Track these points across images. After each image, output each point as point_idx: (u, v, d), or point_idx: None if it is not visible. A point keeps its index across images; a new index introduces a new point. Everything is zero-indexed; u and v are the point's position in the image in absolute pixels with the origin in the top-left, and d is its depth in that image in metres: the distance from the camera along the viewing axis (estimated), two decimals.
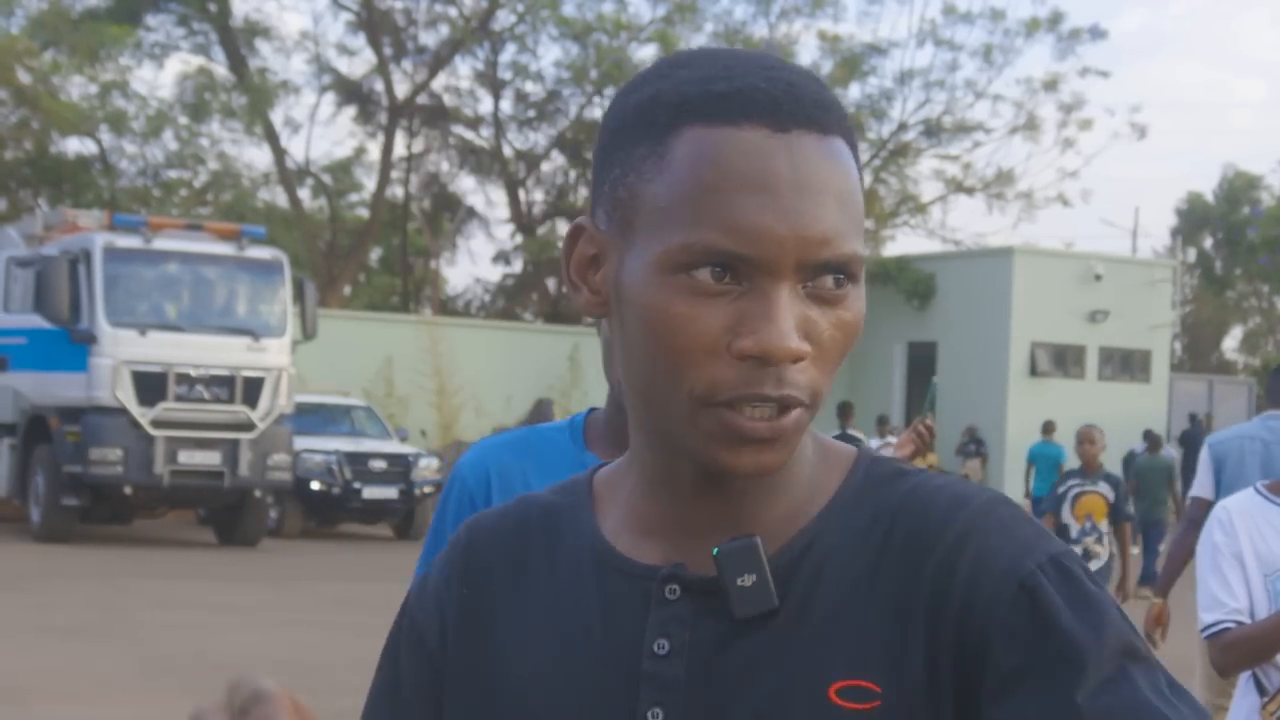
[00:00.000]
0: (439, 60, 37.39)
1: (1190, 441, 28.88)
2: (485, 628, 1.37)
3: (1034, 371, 31.58)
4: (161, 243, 19.47)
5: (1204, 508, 6.40)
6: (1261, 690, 3.89)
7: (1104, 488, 11.04)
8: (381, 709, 1.41)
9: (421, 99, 37.91)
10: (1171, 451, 23.91)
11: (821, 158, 1.22)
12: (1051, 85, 36.71)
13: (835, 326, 1.23)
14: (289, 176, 37.40)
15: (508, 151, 39.43)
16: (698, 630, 1.27)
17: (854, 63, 36.22)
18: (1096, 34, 37.06)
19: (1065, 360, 32.21)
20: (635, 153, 1.25)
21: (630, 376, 1.28)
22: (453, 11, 37.19)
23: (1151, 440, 20.75)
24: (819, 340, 1.22)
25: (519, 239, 39.59)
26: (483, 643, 1.36)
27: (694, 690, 1.25)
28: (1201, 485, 7.07)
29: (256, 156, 57.71)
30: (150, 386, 18.78)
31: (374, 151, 39.96)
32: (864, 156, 37.59)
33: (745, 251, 1.19)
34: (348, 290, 39.10)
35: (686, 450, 1.25)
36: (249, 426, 19.25)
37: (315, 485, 21.13)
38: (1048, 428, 23.14)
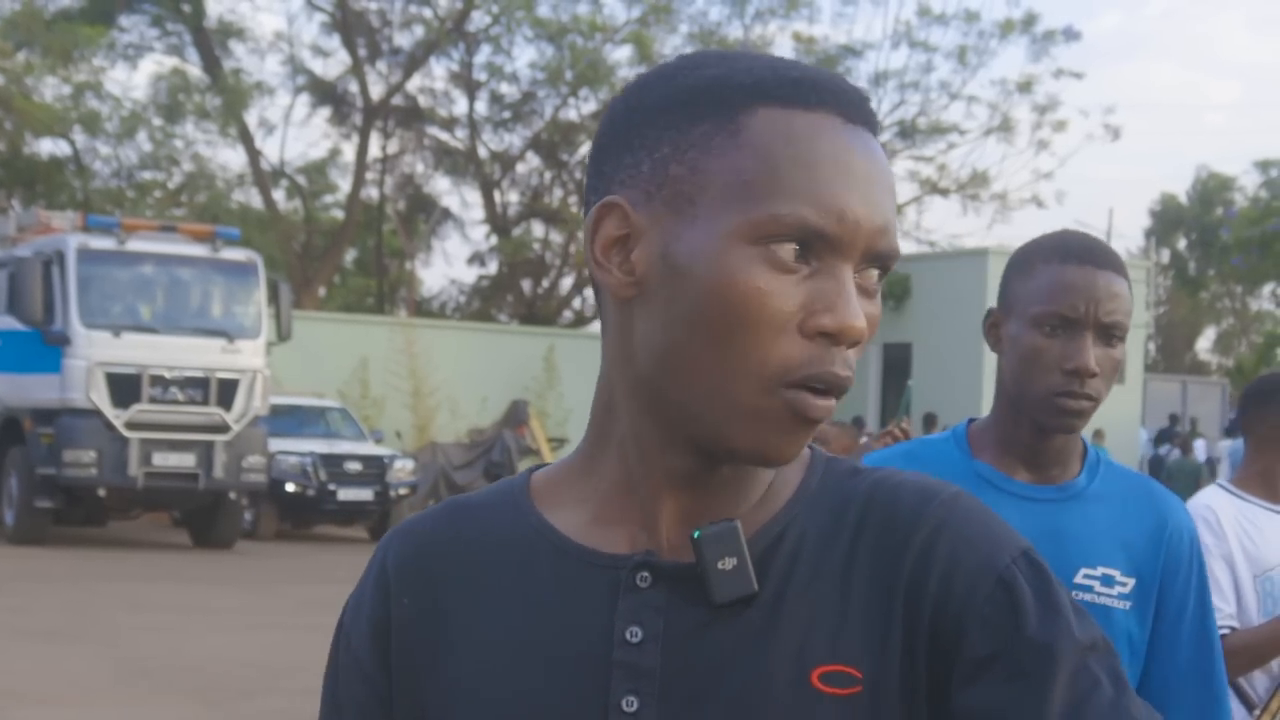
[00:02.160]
0: (414, 61, 37.35)
1: (1168, 440, 29.01)
2: (436, 634, 1.34)
3: None
4: (135, 244, 19.41)
5: None
6: (1245, 700, 3.83)
7: None
8: None
9: (396, 100, 37.87)
10: (1202, 454, 24.62)
11: (880, 154, 1.27)
12: (1026, 87, 36.81)
13: (868, 319, 1.25)
14: (264, 178, 37.33)
15: (483, 153, 39.40)
16: (672, 617, 1.26)
17: (829, 64, 36.22)
18: (1070, 36, 37.17)
19: None
20: (695, 130, 1.24)
21: (670, 356, 1.24)
22: (427, 13, 37.17)
23: (1182, 442, 21.31)
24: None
25: (494, 240, 39.55)
26: (435, 650, 1.34)
27: (670, 677, 1.25)
28: None
29: (231, 158, 57.71)
30: (124, 388, 18.72)
31: (349, 153, 39.91)
32: None
33: (830, 229, 1.21)
34: (323, 292, 39.03)
35: (726, 435, 1.24)
36: (224, 428, 19.20)
37: (290, 487, 21.09)
38: (1098, 435, 25.21)
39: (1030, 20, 36.40)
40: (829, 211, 1.21)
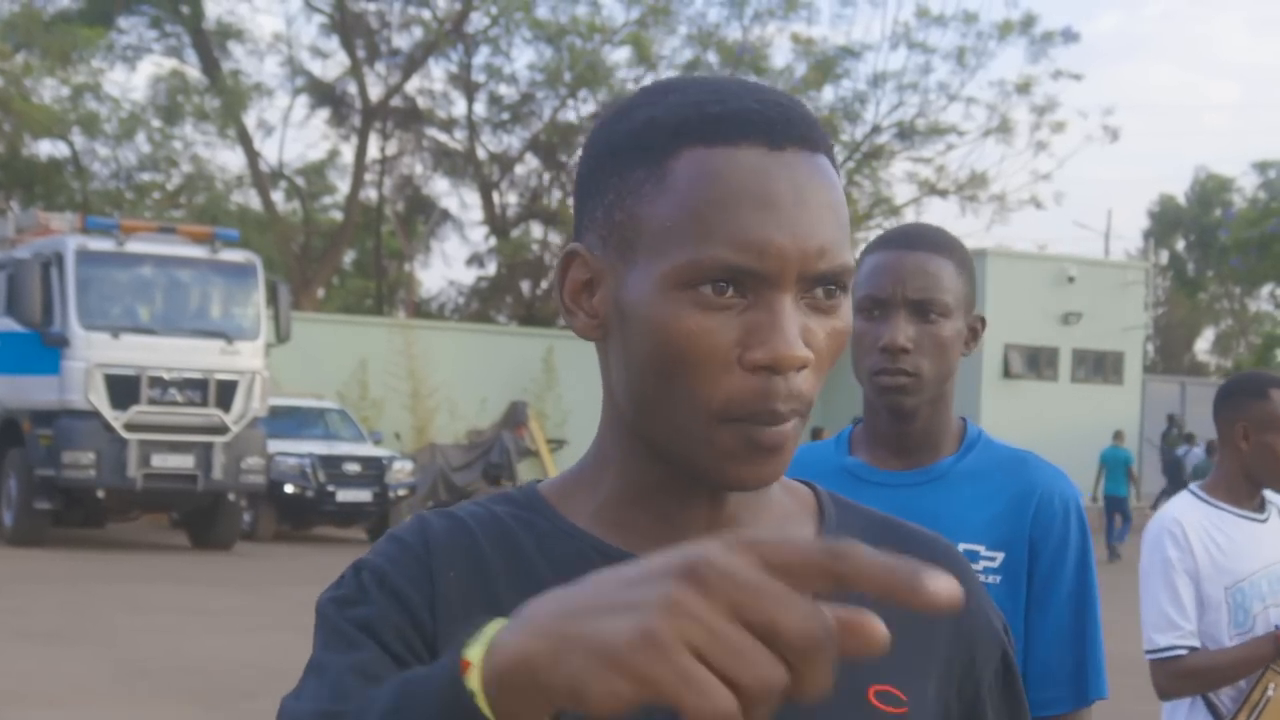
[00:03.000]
0: (413, 63, 37.35)
1: (1170, 441, 29.08)
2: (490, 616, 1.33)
3: (1007, 373, 31.65)
4: (134, 245, 19.42)
5: None
6: (1214, 711, 3.81)
7: None
8: (355, 676, 1.26)
9: (395, 101, 37.87)
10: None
11: (814, 173, 1.27)
12: (1024, 88, 36.82)
13: (829, 335, 1.28)
14: (262, 179, 37.34)
15: (481, 154, 39.40)
16: None
17: (827, 66, 36.28)
18: (1069, 37, 37.18)
19: (1039, 362, 32.29)
20: (632, 177, 1.28)
21: (632, 394, 1.30)
22: (426, 14, 37.18)
23: (1210, 446, 21.51)
24: (816, 348, 1.27)
25: (493, 241, 39.56)
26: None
27: None
28: None
29: (230, 159, 57.72)
30: (123, 389, 18.72)
31: (348, 154, 39.91)
32: (838, 159, 37.75)
33: (752, 265, 1.23)
34: (322, 293, 39.03)
35: (693, 464, 1.28)
36: (223, 429, 19.20)
37: (289, 488, 21.09)
38: (1118, 435, 25.61)
39: (1029, 21, 36.42)
40: (749, 248, 1.22)
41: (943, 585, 0.88)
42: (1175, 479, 27.67)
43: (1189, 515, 3.87)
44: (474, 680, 0.97)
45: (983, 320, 2.70)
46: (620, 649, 0.90)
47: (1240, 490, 3.92)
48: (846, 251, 1.27)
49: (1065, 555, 2.63)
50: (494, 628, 0.99)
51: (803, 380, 1.25)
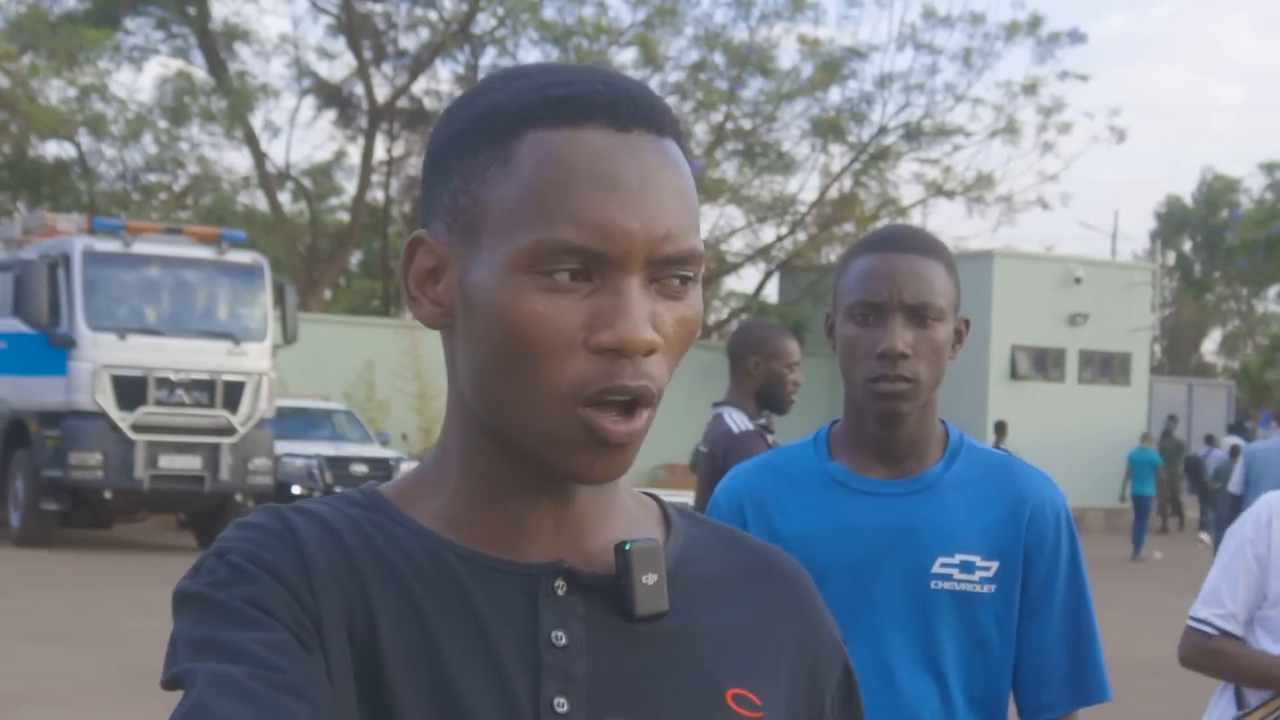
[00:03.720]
0: (419, 64, 37.35)
1: (1170, 442, 29.09)
2: (367, 617, 1.27)
3: (1014, 374, 31.62)
4: (141, 246, 19.43)
5: None
6: (1240, 703, 3.79)
7: None
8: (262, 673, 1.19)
9: (402, 102, 37.84)
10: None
11: (661, 157, 1.26)
12: (1031, 89, 36.75)
13: (679, 323, 1.27)
14: (269, 180, 37.33)
15: None
16: (592, 625, 1.29)
17: (834, 66, 36.23)
18: (1076, 38, 37.11)
19: (1045, 363, 32.27)
20: (476, 161, 1.27)
21: (478, 384, 1.28)
22: (433, 15, 37.17)
23: (1234, 450, 21.94)
24: (666, 334, 1.25)
25: None
26: (368, 634, 1.26)
27: (595, 684, 1.27)
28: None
29: (236, 160, 57.72)
30: (130, 390, 18.74)
31: (354, 155, 39.86)
32: (844, 160, 37.78)
33: (597, 246, 1.22)
34: (328, 294, 39.04)
35: (540, 457, 1.27)
36: (229, 431, 19.21)
37: (296, 489, 21.09)
38: (1145, 437, 26.27)
39: (1035, 22, 36.36)
40: (594, 230, 1.22)
41: None
42: (1197, 480, 27.73)
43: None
44: None
45: (967, 323, 2.69)
46: None
47: None
48: (695, 237, 1.26)
49: (1058, 562, 2.63)
50: None
51: (652, 365, 1.24)
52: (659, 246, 1.23)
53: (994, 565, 2.59)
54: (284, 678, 1.18)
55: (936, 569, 2.58)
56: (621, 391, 1.23)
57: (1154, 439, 27.51)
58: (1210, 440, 29.23)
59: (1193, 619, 3.75)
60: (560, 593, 1.29)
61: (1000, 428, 24.98)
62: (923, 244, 2.61)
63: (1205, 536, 25.61)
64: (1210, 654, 3.73)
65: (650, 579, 1.29)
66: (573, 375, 1.23)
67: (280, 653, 1.20)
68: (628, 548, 1.29)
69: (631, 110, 1.26)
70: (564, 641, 1.28)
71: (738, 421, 5.82)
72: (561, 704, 1.26)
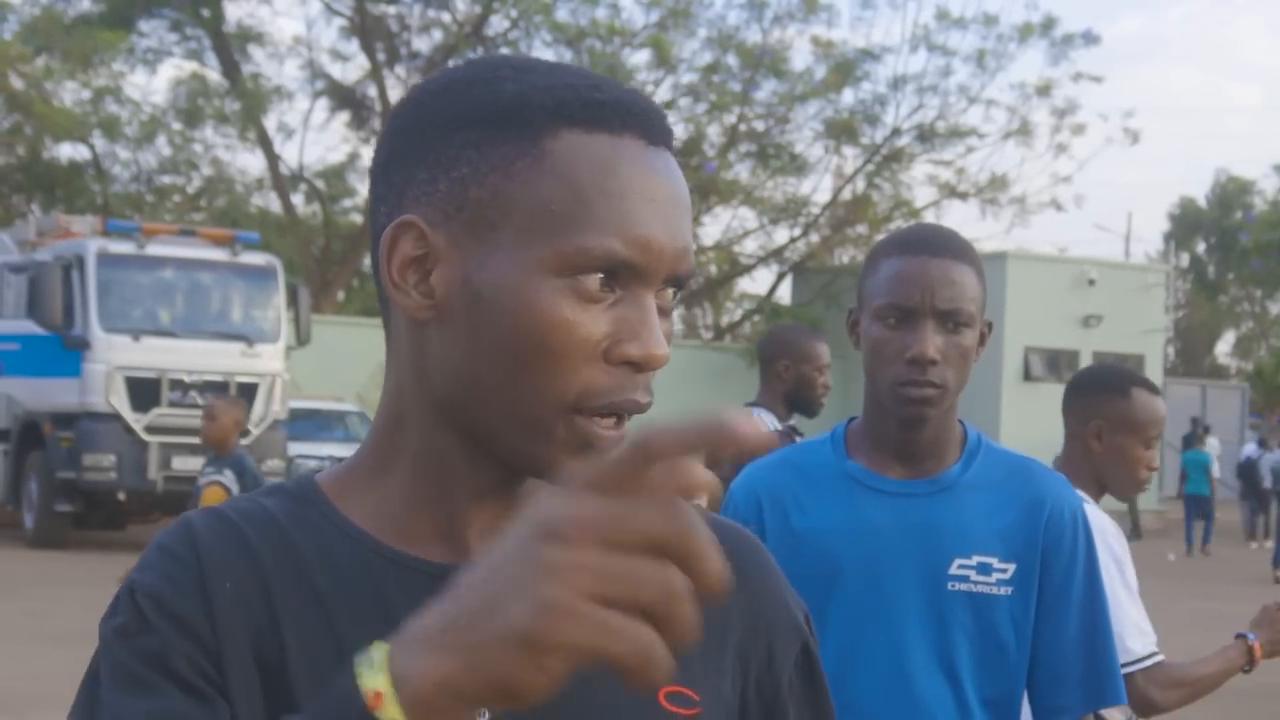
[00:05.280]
0: (432, 65, 37.35)
1: (1191, 444, 29.03)
2: (270, 627, 1.26)
3: (1027, 376, 31.58)
4: (155, 248, 19.45)
5: None
6: None
7: (229, 477, 9.30)
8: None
9: None
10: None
11: (677, 173, 1.27)
12: (1045, 90, 36.71)
13: (665, 336, 1.26)
14: (282, 182, 37.38)
15: None
16: None
17: (847, 68, 36.20)
18: (1089, 39, 37.06)
19: (1059, 365, 32.20)
20: (497, 152, 1.23)
21: (470, 381, 1.24)
22: (446, 17, 37.21)
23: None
24: None
25: None
26: (271, 644, 1.25)
27: None
28: None
29: (250, 162, 57.85)
30: (144, 392, 18.76)
31: (367, 157, 39.74)
32: (857, 162, 37.77)
33: (638, 260, 1.21)
34: (341, 295, 39.07)
35: (522, 454, 1.25)
36: (243, 433, 19.21)
37: None
38: (1199, 438, 27.53)
39: (1049, 24, 36.32)
40: (635, 242, 1.21)
41: (745, 426, 0.91)
42: (1251, 484, 27.72)
43: None
44: (391, 710, 0.95)
45: (990, 325, 2.67)
46: (531, 630, 0.90)
47: None
48: (694, 254, 1.27)
49: (1075, 565, 2.63)
50: (381, 653, 0.97)
51: (650, 379, 1.24)
52: (679, 263, 1.24)
53: (1011, 567, 2.58)
54: None
55: (954, 570, 2.57)
56: (634, 407, 1.23)
57: (1205, 441, 27.83)
58: (1263, 443, 29.00)
59: (1140, 659, 3.49)
60: None
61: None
62: (956, 247, 2.59)
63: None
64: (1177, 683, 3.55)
65: None
66: (585, 383, 1.21)
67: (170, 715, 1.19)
68: None
69: (660, 125, 1.26)
70: None
71: (767, 423, 5.83)
72: (483, 713, 1.24)
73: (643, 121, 1.24)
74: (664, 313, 1.26)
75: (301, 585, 1.27)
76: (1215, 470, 27.22)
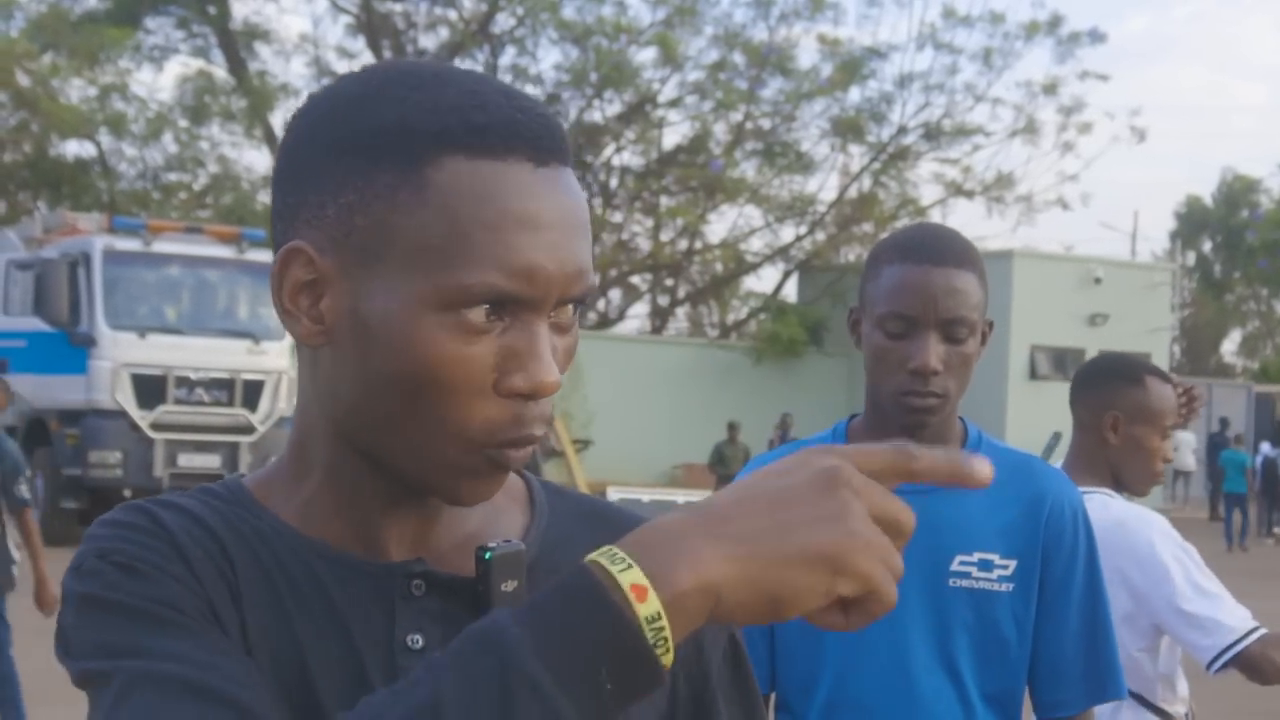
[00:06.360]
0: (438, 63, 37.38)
1: (1223, 446, 29.14)
2: (239, 615, 1.27)
3: (1034, 375, 31.57)
4: (161, 245, 19.47)
5: None
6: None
7: None
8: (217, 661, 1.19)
9: None
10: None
11: (571, 191, 1.23)
12: (1051, 89, 36.73)
13: (565, 353, 1.25)
14: None
15: None
16: (449, 627, 1.26)
17: (853, 66, 36.22)
18: (1095, 38, 37.07)
19: (1065, 363, 32.17)
20: (380, 179, 1.20)
21: (362, 411, 1.24)
22: (452, 14, 37.23)
23: None
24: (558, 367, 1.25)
25: None
26: (244, 631, 1.26)
27: None
28: None
29: (256, 159, 57.66)
30: (150, 389, 18.78)
31: None
32: (863, 160, 37.78)
33: (522, 291, 1.19)
34: None
35: (424, 480, 1.25)
36: (249, 429, 19.25)
37: None
38: (1238, 438, 28.83)
39: (1055, 22, 36.33)
40: (518, 274, 1.18)
41: (980, 465, 1.08)
42: (1272, 482, 27.89)
43: None
44: (653, 605, 1.02)
45: (991, 324, 2.67)
46: (836, 553, 1.02)
47: None
48: (592, 270, 1.25)
49: (1076, 561, 2.64)
50: (625, 552, 1.03)
51: (548, 403, 1.24)
52: (571, 287, 1.22)
53: (1012, 563, 2.59)
54: (220, 673, 1.16)
55: (955, 567, 2.58)
56: (529, 441, 1.23)
57: (1243, 441, 28.29)
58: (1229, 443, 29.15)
59: (1250, 629, 3.38)
60: (418, 593, 1.28)
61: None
62: (958, 253, 2.57)
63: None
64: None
65: (510, 585, 1.27)
66: (483, 419, 1.21)
67: (206, 648, 1.18)
68: (488, 556, 1.27)
69: (550, 143, 1.22)
70: (420, 644, 1.27)
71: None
72: None
73: (531, 142, 1.21)
74: (563, 329, 1.24)
75: (255, 567, 1.27)
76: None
